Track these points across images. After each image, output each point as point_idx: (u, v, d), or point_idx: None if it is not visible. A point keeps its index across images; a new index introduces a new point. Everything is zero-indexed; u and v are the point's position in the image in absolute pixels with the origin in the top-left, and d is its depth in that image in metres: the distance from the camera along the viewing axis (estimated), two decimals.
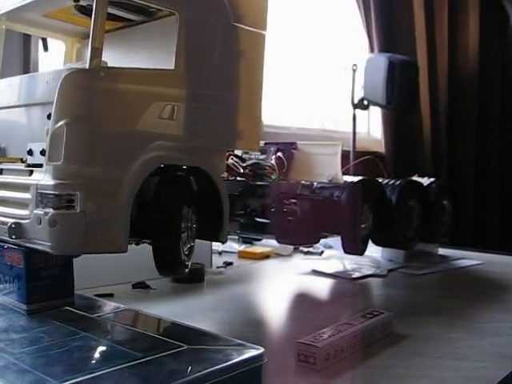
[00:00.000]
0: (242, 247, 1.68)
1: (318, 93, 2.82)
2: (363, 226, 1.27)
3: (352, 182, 1.22)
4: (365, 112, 2.74)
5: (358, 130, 2.69)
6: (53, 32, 1.05)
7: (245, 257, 1.62)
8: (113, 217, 0.77)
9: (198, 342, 0.70)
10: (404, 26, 2.97)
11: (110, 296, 1.16)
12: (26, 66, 1.74)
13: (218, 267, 1.46)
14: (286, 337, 0.91)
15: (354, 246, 1.25)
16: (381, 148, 3.03)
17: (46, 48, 1.10)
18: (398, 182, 1.38)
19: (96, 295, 1.14)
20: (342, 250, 1.28)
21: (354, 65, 2.49)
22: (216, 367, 0.63)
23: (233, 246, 1.68)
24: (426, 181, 1.52)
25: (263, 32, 0.96)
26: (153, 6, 0.86)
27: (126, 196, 0.78)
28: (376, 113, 3.01)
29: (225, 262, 1.50)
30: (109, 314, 0.84)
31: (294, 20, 2.64)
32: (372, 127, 3.19)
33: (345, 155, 2.49)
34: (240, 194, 1.06)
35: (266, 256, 1.63)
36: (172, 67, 0.84)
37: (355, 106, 2.51)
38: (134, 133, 0.80)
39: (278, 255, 1.64)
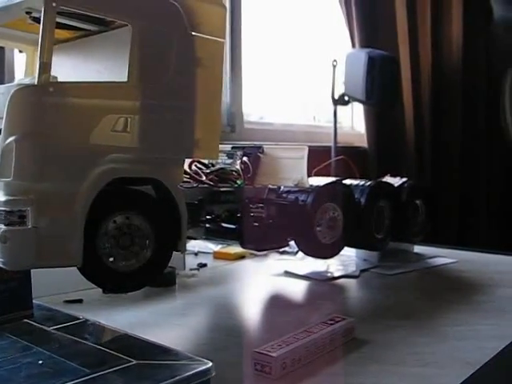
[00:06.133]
0: (218, 247, 1.68)
1: (306, 87, 2.83)
2: (331, 229, 1.27)
3: (318, 185, 1.23)
4: (349, 106, 2.74)
5: (342, 124, 2.69)
6: (13, 41, 1.05)
7: (220, 257, 1.62)
8: (66, 231, 0.78)
9: (147, 357, 0.71)
10: (385, 20, 2.96)
11: (79, 302, 1.16)
12: (1, 66, 1.73)
13: (190, 269, 1.46)
14: (251, 344, 0.91)
15: (321, 250, 1.26)
16: (365, 143, 3.04)
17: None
18: (368, 183, 1.38)
19: (66, 301, 1.15)
20: (310, 255, 1.28)
21: (335, 60, 2.49)
22: None
23: (209, 246, 1.68)
24: (397, 181, 1.52)
25: (221, 40, 0.95)
26: (103, 16, 0.85)
27: (80, 210, 0.78)
28: (359, 107, 3.01)
29: (198, 264, 1.51)
30: (66, 326, 0.85)
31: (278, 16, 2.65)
32: (356, 121, 3.19)
33: (327, 151, 2.52)
34: (201, 200, 1.06)
35: (241, 256, 1.63)
36: (125, 79, 0.83)
37: (336, 102, 2.51)
38: (87, 147, 0.79)
39: (253, 255, 1.65)
